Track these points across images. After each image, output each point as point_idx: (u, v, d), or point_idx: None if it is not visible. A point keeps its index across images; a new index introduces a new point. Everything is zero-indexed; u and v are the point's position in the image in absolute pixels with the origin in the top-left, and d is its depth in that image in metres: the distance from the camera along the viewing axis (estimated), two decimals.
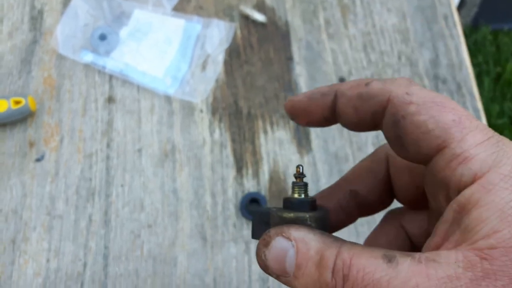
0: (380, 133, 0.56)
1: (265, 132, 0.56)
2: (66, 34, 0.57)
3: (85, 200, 0.50)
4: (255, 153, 0.55)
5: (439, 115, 0.19)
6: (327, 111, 0.23)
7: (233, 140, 0.55)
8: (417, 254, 0.18)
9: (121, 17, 0.59)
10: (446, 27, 0.64)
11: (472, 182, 0.18)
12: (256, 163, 0.54)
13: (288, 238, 0.20)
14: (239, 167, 0.54)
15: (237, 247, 0.50)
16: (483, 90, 1.42)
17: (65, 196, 0.51)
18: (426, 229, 0.24)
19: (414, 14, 0.64)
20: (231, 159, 0.54)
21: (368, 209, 0.26)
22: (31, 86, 0.56)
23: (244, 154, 0.55)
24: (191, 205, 0.51)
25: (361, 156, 0.55)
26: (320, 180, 0.53)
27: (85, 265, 0.48)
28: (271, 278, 0.49)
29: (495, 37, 1.55)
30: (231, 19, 0.61)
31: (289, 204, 0.23)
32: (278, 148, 0.55)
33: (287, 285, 0.20)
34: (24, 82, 0.56)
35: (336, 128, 0.56)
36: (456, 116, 0.19)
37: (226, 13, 0.61)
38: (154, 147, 0.54)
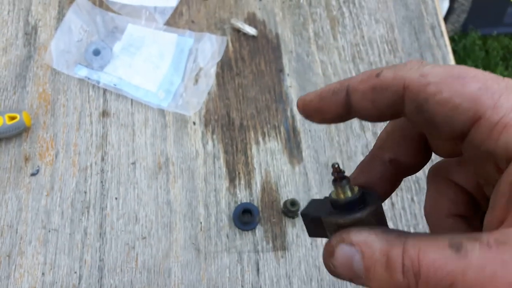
0: (370, 142, 0.57)
1: (257, 143, 0.57)
2: (60, 49, 0.58)
3: (80, 213, 0.51)
4: (247, 164, 0.56)
5: (462, 87, 0.17)
6: (341, 109, 0.22)
7: (226, 152, 0.56)
8: (484, 237, 0.16)
9: (114, 32, 0.60)
10: (433, 37, 0.65)
11: None
12: (249, 174, 0.55)
13: (351, 244, 0.19)
14: (232, 178, 0.55)
15: (230, 257, 0.51)
16: None
17: (60, 209, 0.51)
18: (476, 181, 0.22)
19: (401, 25, 0.65)
20: (224, 170, 0.55)
21: (409, 171, 0.24)
22: (26, 101, 0.56)
23: (237, 165, 0.56)
24: (185, 216, 0.52)
25: (351, 165, 0.56)
26: (312, 189, 0.54)
27: (80, 277, 0.49)
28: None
29: (484, 42, 1.57)
30: (223, 33, 0.62)
31: (338, 206, 0.22)
32: (270, 158, 0.56)
33: (365, 286, 0.19)
34: (19, 97, 0.57)
35: (326, 138, 0.57)
36: (480, 83, 0.17)
37: (218, 26, 0.63)
38: (148, 160, 0.54)
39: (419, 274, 0.17)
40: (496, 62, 1.52)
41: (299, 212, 0.53)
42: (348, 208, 0.21)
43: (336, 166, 0.22)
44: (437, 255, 0.16)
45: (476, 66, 1.48)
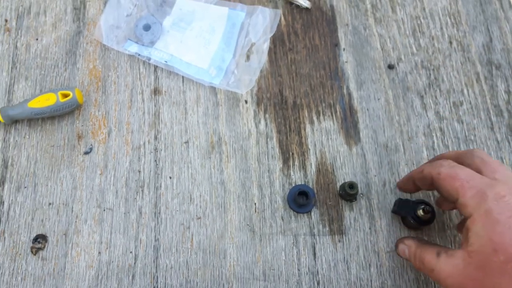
0: (432, 122, 0.54)
1: (312, 122, 0.55)
2: (109, 24, 0.57)
3: (135, 192, 0.51)
4: (301, 144, 0.54)
5: (453, 183, 0.38)
6: (414, 186, 0.47)
7: (279, 131, 0.54)
8: (449, 251, 0.37)
9: (163, 6, 0.58)
10: (501, 9, 0.60)
11: (469, 217, 0.36)
12: (303, 155, 0.53)
13: (405, 244, 0.43)
14: (286, 159, 0.53)
15: (285, 240, 0.49)
16: None
17: (114, 188, 0.51)
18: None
19: None
20: (277, 150, 0.53)
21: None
22: (77, 78, 0.56)
23: (290, 146, 0.54)
24: (239, 197, 0.51)
25: (412, 146, 0.53)
26: (370, 171, 0.52)
27: (136, 257, 0.48)
28: (320, 272, 0.48)
29: None
30: (275, 6, 0.59)
31: (420, 219, 0.47)
32: (325, 139, 0.54)
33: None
34: (70, 74, 0.56)
35: (386, 118, 0.54)
36: (459, 183, 0.38)
37: None
38: (201, 139, 0.53)
39: (422, 262, 0.39)
40: None
41: (357, 196, 0.51)
42: (423, 222, 0.48)
43: (427, 209, 0.47)
44: (430, 256, 0.39)
45: None
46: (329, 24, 0.59)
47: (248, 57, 0.57)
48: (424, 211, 0.47)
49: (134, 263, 0.48)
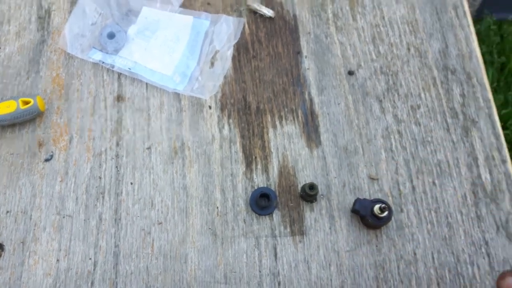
0: (390, 125, 0.55)
1: (274, 127, 0.55)
2: (74, 33, 0.57)
3: (95, 199, 0.50)
4: (264, 148, 0.54)
5: None
6: None
7: (242, 136, 0.55)
8: None
9: (129, 15, 0.59)
10: (456, 17, 0.63)
11: None
12: (265, 158, 0.54)
13: None
14: (249, 163, 0.53)
15: (247, 242, 0.49)
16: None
17: (74, 195, 0.51)
18: None
19: (423, 5, 0.63)
20: (240, 155, 0.54)
21: None
22: (39, 86, 0.56)
23: (253, 150, 0.54)
24: (201, 201, 0.51)
25: (371, 148, 0.54)
26: (330, 173, 0.53)
27: (95, 264, 0.48)
28: (281, 273, 0.48)
29: (500, 27, 1.52)
30: (239, 15, 0.61)
31: (377, 217, 0.49)
32: (287, 142, 0.54)
33: None
34: (32, 82, 0.56)
35: (345, 121, 0.55)
36: None
37: (234, 8, 0.61)
38: (164, 145, 0.53)
39: None
40: (511, 47, 1.47)
41: (317, 196, 0.51)
42: (381, 220, 0.49)
43: (383, 207, 0.48)
44: None
45: (491, 52, 1.44)
46: (292, 33, 0.61)
47: (212, 64, 0.58)
48: (381, 209, 0.47)
49: (94, 270, 0.48)
